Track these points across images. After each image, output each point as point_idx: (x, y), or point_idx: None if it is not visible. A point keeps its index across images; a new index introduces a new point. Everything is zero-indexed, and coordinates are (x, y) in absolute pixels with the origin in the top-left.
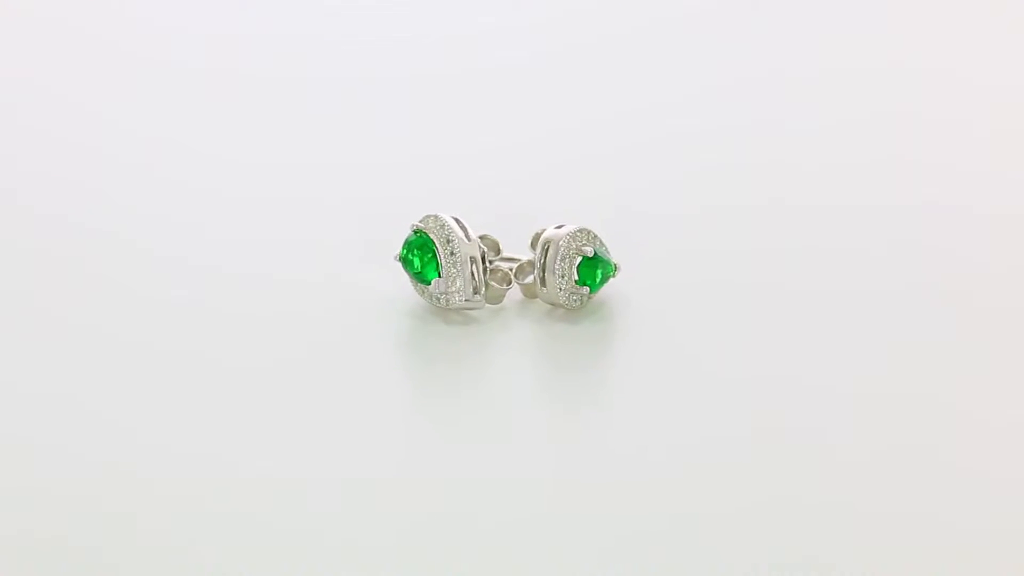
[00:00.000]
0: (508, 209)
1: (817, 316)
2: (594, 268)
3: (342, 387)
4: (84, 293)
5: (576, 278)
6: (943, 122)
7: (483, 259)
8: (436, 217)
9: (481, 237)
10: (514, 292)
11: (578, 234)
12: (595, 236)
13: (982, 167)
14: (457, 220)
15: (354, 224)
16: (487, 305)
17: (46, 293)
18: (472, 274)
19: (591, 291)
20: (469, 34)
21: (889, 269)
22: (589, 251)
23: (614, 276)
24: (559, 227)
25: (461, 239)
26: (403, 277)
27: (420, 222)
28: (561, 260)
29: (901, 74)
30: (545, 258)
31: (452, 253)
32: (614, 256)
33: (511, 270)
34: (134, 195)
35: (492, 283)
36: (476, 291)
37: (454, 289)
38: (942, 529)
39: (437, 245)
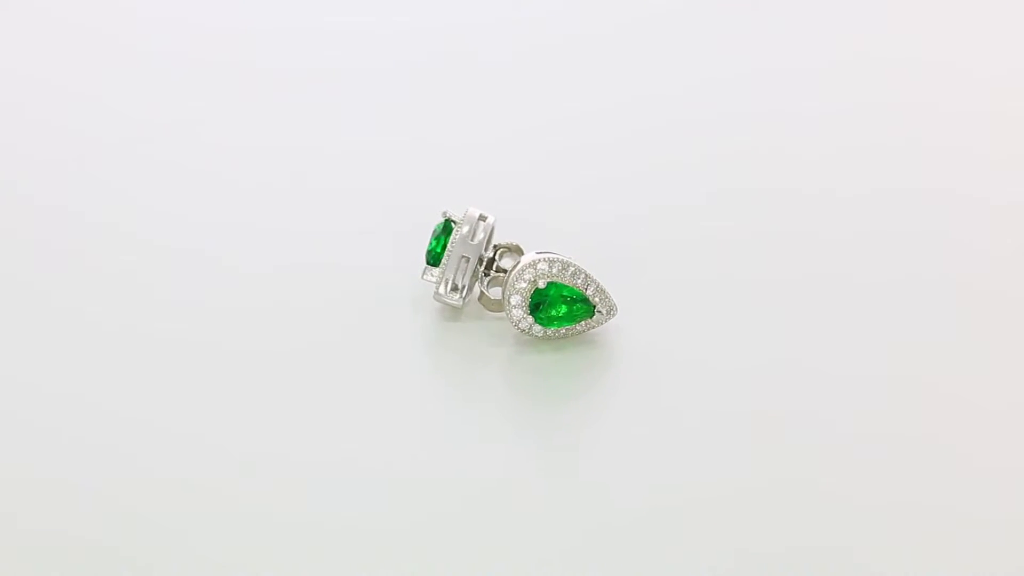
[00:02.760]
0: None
1: (817, 312)
2: (547, 303)
3: (327, 383)
4: (100, 287)
5: (527, 308)
6: (939, 112)
7: (485, 263)
8: (467, 211)
9: (505, 245)
10: None
11: (550, 265)
12: (575, 271)
13: (977, 156)
14: (484, 219)
15: (365, 213)
16: (493, 312)
17: (64, 289)
18: (456, 273)
19: (537, 322)
20: (476, 24)
21: (887, 261)
22: (541, 284)
23: (593, 319)
24: (542, 252)
25: (464, 237)
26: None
27: (466, 215)
28: (520, 285)
29: (895, 65)
30: (509, 278)
31: (450, 247)
32: (621, 299)
33: None
34: (152, 190)
35: (491, 289)
36: (454, 290)
37: (435, 281)
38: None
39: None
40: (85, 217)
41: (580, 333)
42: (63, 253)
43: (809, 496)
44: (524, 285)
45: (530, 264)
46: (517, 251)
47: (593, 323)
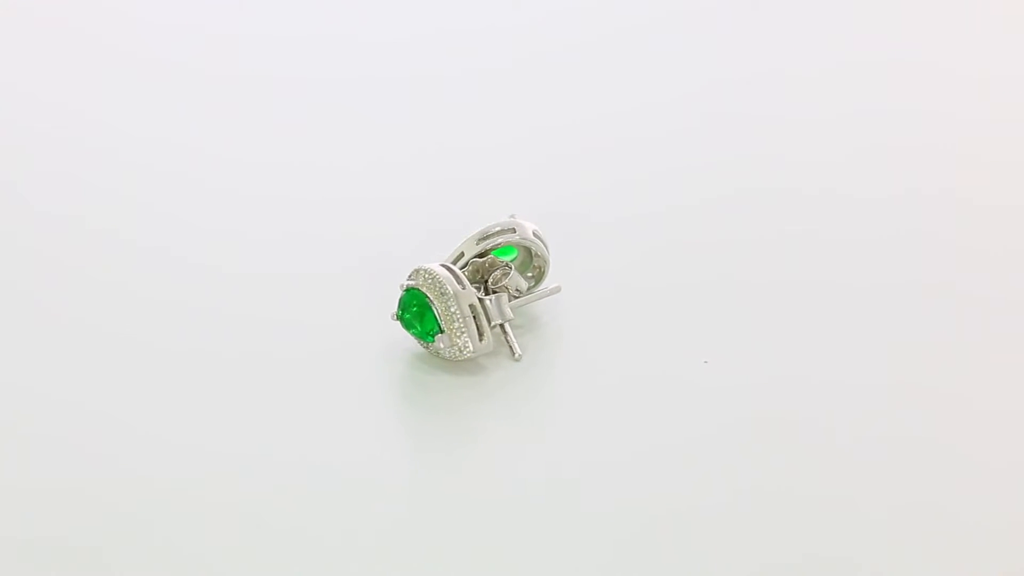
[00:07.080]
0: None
1: (816, 316)
2: (412, 309)
3: (320, 390)
4: (102, 295)
5: (400, 306)
6: (935, 115)
7: (464, 264)
8: (504, 216)
9: (502, 261)
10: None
11: (434, 280)
12: (453, 300)
13: (976, 157)
14: (513, 230)
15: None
16: None
17: (69, 296)
18: (448, 262)
19: (398, 316)
20: (472, 31)
21: (886, 262)
22: (407, 284)
23: (438, 346)
24: (448, 266)
25: (473, 236)
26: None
27: (500, 219)
28: (407, 283)
29: (891, 67)
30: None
31: (462, 240)
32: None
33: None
34: (152, 194)
35: None
36: None
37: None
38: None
39: None
40: (89, 223)
41: (454, 360)
42: (86, 263)
43: (806, 503)
44: (410, 283)
45: (425, 271)
46: (504, 270)
47: (445, 351)
